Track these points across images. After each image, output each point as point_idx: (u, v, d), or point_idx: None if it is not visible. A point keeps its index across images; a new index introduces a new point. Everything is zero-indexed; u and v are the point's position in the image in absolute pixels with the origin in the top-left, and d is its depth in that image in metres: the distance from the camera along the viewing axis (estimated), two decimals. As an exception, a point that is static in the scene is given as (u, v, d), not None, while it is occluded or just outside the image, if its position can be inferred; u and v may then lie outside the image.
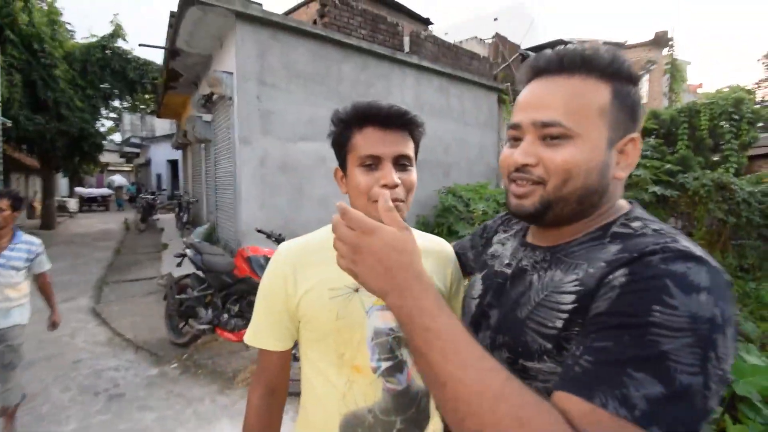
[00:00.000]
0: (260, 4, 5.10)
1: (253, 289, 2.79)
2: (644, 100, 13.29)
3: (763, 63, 23.86)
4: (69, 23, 10.78)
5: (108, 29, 10.94)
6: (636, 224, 0.54)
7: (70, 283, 5.50)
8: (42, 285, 2.35)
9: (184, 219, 8.97)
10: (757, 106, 10.11)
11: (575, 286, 0.51)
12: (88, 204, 17.64)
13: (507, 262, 0.67)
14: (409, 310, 0.45)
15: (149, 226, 11.10)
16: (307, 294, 0.77)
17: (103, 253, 7.68)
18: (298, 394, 0.82)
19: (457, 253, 0.92)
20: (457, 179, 7.34)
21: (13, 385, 2.17)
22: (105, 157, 18.22)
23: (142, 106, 16.10)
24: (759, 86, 24.23)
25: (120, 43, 10.76)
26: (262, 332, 0.80)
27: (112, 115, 19.04)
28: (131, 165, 26.96)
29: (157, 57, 12.24)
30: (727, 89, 10.34)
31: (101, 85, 10.70)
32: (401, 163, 0.74)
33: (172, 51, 6.24)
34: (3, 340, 2.13)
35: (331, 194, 5.73)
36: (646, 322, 0.40)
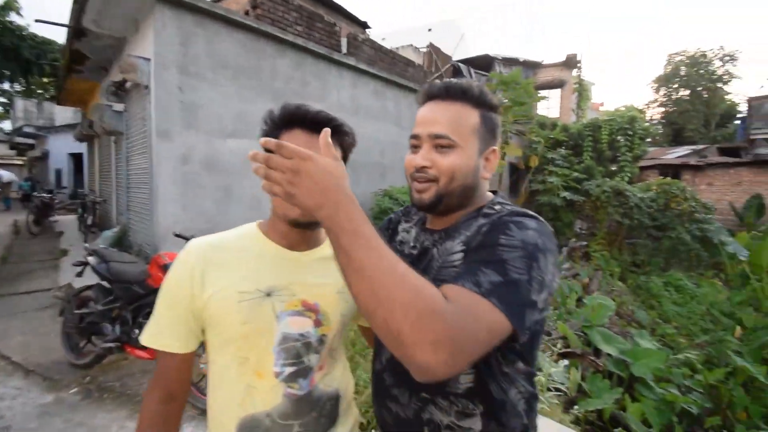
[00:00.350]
0: (183, -12, 4.70)
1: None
2: (556, 115, 14.73)
3: (652, 87, 27.92)
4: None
5: (-7, -2, 9.32)
6: (497, 207, 0.77)
7: (-68, 299, 4.55)
8: None
9: (89, 221, 7.91)
10: (647, 124, 11.75)
11: (460, 245, 0.73)
12: (-38, 202, 14.83)
13: (412, 245, 0.85)
14: (341, 219, 0.54)
15: (45, 229, 9.62)
16: (213, 296, 0.74)
17: (-19, 261, 6.48)
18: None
19: None
20: (393, 182, 7.45)
21: None
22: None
23: (39, 91, 13.95)
24: (648, 107, 28.31)
25: (13, 17, 9.18)
26: (163, 333, 0.76)
27: (2, 99, 16.23)
28: (24, 158, 23.21)
29: (60, 36, 10.72)
30: (624, 108, 11.90)
31: (-16, 64, 9.07)
32: None
33: (76, 30, 5.48)
34: None
35: (262, 196, 5.46)
36: (495, 243, 0.64)
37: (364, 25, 10.97)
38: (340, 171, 0.57)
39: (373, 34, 13.12)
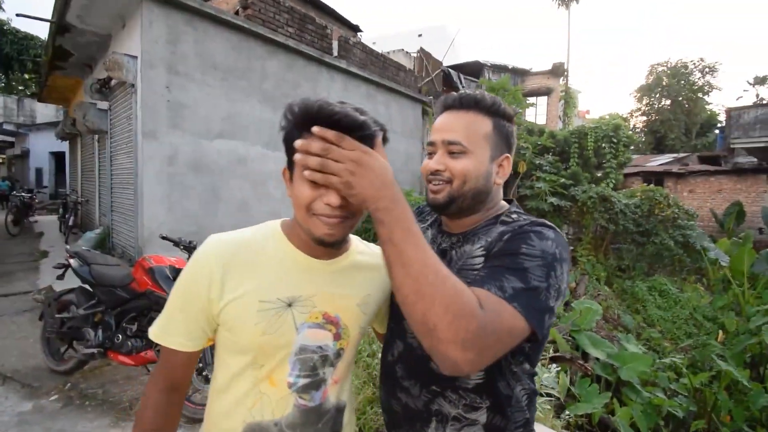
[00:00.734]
0: (173, -15, 4.62)
1: (156, 304, 2.45)
2: (543, 122, 14.97)
3: (635, 96, 28.62)
4: None
5: (-29, -9, 9.04)
6: (514, 216, 0.82)
7: None
8: None
9: (71, 222, 7.68)
10: (631, 132, 12.01)
11: (481, 250, 0.77)
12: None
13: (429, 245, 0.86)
14: (397, 214, 0.58)
15: (24, 230, 9.31)
16: (232, 303, 0.70)
17: (-46, 263, 6.22)
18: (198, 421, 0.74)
19: None
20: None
21: None
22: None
23: (20, 87, 13.55)
24: (632, 115, 28.99)
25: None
26: (174, 329, 0.73)
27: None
28: (3, 156, 22.47)
29: (42, 31, 10.46)
30: (608, 116, 12.15)
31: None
32: None
33: (60, 26, 5.34)
34: None
35: (251, 198, 5.38)
36: (518, 252, 0.68)
37: (355, 29, 10.98)
38: (392, 171, 0.61)
39: (364, 38, 13.15)
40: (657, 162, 16.67)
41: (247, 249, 0.73)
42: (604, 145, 10.71)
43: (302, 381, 0.74)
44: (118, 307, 2.59)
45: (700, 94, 25.81)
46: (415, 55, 11.24)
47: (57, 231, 8.94)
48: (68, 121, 7.96)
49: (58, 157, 16.34)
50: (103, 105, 5.83)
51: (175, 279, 2.48)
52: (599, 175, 10.88)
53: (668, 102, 26.36)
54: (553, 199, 9.04)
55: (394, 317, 0.86)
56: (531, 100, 14.61)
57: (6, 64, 9.26)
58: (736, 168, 13.84)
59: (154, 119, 4.42)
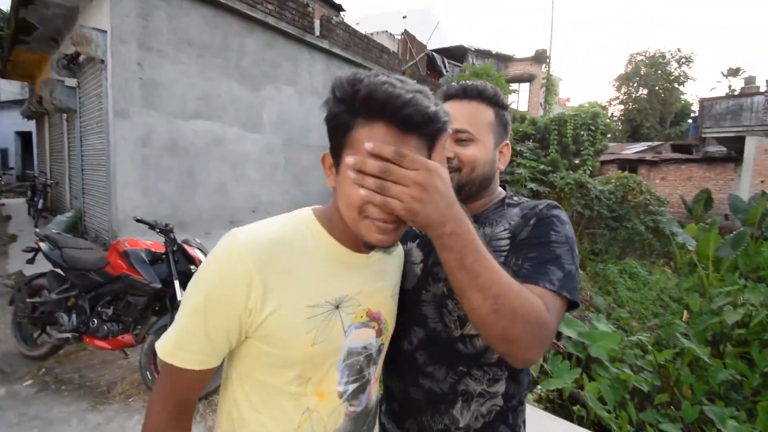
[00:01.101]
0: (143, -44, 4.39)
1: (131, 287, 2.41)
2: (525, 108, 15.11)
3: (613, 85, 29.12)
4: None
5: None
6: (516, 198, 0.89)
7: None
8: None
9: (40, 205, 7.38)
10: (609, 120, 12.28)
11: (506, 233, 0.80)
12: None
13: None
14: (465, 236, 0.55)
15: (-13, 213, 8.91)
16: (277, 312, 0.59)
17: None
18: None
19: None
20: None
21: None
22: None
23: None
24: (610, 104, 29.55)
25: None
26: (192, 345, 0.60)
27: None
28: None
29: (4, 2, 9.79)
30: (587, 105, 12.37)
31: None
32: None
33: (21, -4, 5.02)
34: None
35: (229, 181, 5.28)
36: (549, 241, 0.73)
37: (338, 8, 10.71)
38: (449, 179, 0.55)
39: (347, 18, 12.86)
40: (632, 150, 17.14)
41: (284, 246, 0.62)
42: (582, 132, 10.93)
43: (351, 387, 0.69)
44: (92, 291, 2.54)
45: (675, 84, 26.46)
46: (399, 37, 11.08)
47: (26, 214, 8.58)
48: (34, 98, 7.55)
49: (24, 137, 15.53)
50: (72, 82, 5.55)
51: (152, 263, 2.44)
52: (577, 162, 11.13)
53: (645, 91, 26.95)
54: (532, 185, 9.21)
55: (407, 305, 0.84)
56: (514, 86, 14.69)
57: (-38, 36, 8.65)
58: (706, 157, 14.39)
59: (125, 97, 4.25)
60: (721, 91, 26.87)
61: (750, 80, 15.41)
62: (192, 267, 2.47)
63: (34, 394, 2.43)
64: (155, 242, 2.59)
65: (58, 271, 2.64)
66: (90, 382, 2.55)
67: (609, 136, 12.19)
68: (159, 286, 2.36)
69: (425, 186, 0.50)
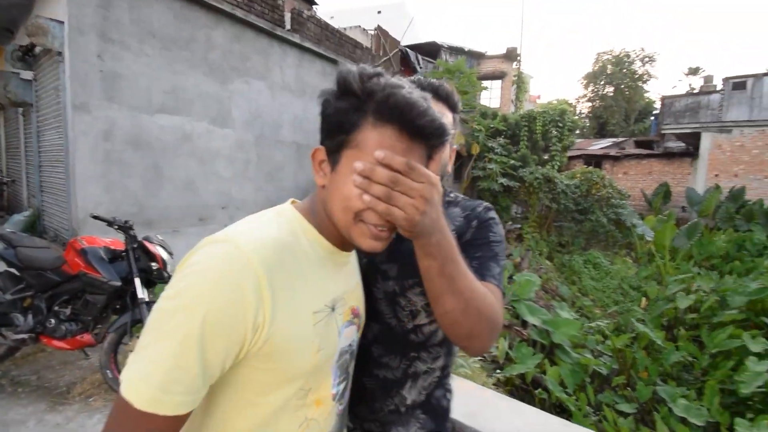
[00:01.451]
0: (101, -56, 4.22)
1: (90, 286, 2.36)
2: (497, 105, 15.42)
3: (581, 83, 30.08)
4: None
5: None
6: (452, 195, 0.93)
7: None
8: None
9: (-6, 203, 7.02)
10: (576, 117, 12.73)
11: (453, 233, 0.77)
12: None
13: None
14: (448, 246, 0.58)
15: (-65, 213, 8.36)
16: (284, 321, 0.53)
17: None
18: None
19: None
20: (337, 165, 7.39)
21: None
22: None
23: None
24: (579, 101, 30.54)
25: None
26: (179, 388, 0.47)
27: None
28: None
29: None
30: (556, 102, 12.79)
31: None
32: None
33: (-35, -19, 4.73)
34: None
35: (198, 177, 5.19)
36: (489, 241, 0.83)
37: (310, 1, 10.59)
38: None
39: (321, 11, 12.73)
40: (598, 146, 17.84)
41: (286, 249, 0.56)
42: (551, 128, 11.30)
43: (341, 387, 0.68)
44: (49, 291, 2.47)
45: (639, 83, 27.62)
46: (372, 32, 11.07)
47: (-22, 213, 8.12)
48: (-15, 90, 7.13)
49: (-25, 132, 14.60)
50: (27, 75, 5.29)
51: (111, 261, 2.40)
52: (546, 157, 11.50)
53: (611, 89, 28.00)
54: (503, 180, 9.47)
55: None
56: (486, 83, 14.96)
57: None
58: (664, 152, 15.15)
59: (85, 91, 4.10)
60: (682, 89, 28.30)
61: (708, 79, 16.30)
62: (153, 264, 2.45)
63: (-12, 397, 2.36)
64: (115, 240, 2.54)
65: (13, 270, 2.55)
66: (48, 383, 2.49)
67: (577, 132, 12.64)
68: (119, 284, 2.33)
69: (429, 199, 0.52)
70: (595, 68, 28.65)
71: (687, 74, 29.14)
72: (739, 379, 4.09)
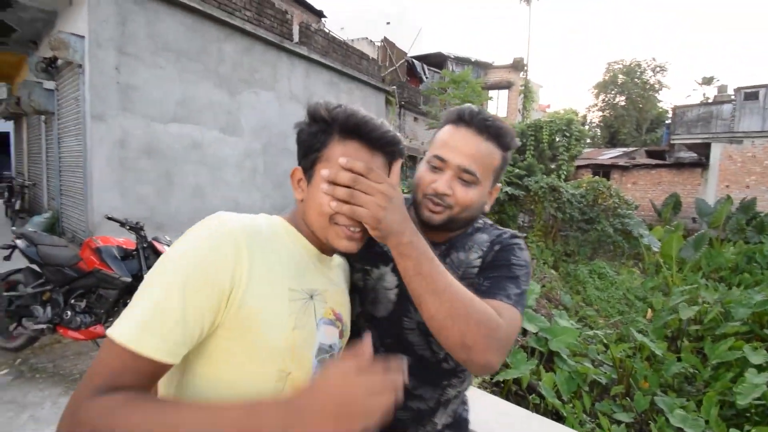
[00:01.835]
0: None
1: (103, 281, 2.55)
2: (504, 114, 15.54)
3: (592, 92, 29.98)
4: None
5: None
6: (481, 222, 0.91)
7: None
8: None
9: (17, 206, 7.37)
10: (582, 126, 12.76)
11: (479, 260, 0.84)
12: None
13: None
14: (420, 245, 0.62)
15: (-38, 214, 8.79)
16: (259, 287, 0.57)
17: None
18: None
19: None
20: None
21: None
22: None
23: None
24: (589, 110, 30.42)
25: None
26: (160, 331, 0.51)
27: None
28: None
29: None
30: (563, 111, 12.85)
31: None
32: None
33: (2, 0, 5.08)
34: None
35: (207, 184, 5.42)
36: (510, 263, 0.80)
37: (319, 14, 10.91)
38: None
39: (331, 22, 13.07)
40: (608, 155, 17.75)
41: (264, 235, 0.63)
42: (557, 138, 11.33)
43: None
44: (66, 286, 2.67)
45: (651, 92, 27.42)
46: (379, 44, 11.34)
47: (2, 215, 8.51)
48: (12, 100, 7.54)
49: (0, 138, 15.27)
50: (50, 85, 5.62)
51: (123, 259, 2.60)
52: (553, 166, 11.52)
53: (622, 99, 27.85)
54: (508, 189, 9.53)
55: (388, 333, 0.85)
56: (492, 93, 15.10)
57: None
58: (674, 162, 15.01)
59: (103, 101, 4.37)
60: (696, 99, 27.98)
61: (723, 89, 16.08)
62: (161, 262, 2.62)
63: (9, 382, 2.54)
64: (127, 240, 2.74)
65: (34, 267, 2.76)
66: (63, 371, 2.67)
67: (589, 141, 12.64)
68: (129, 280, 2.51)
69: (389, 196, 0.58)
70: (606, 78, 28.56)
71: (701, 84, 28.79)
72: (737, 391, 4.08)
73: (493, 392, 3.46)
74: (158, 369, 0.52)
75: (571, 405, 4.03)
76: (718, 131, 13.56)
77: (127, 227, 2.62)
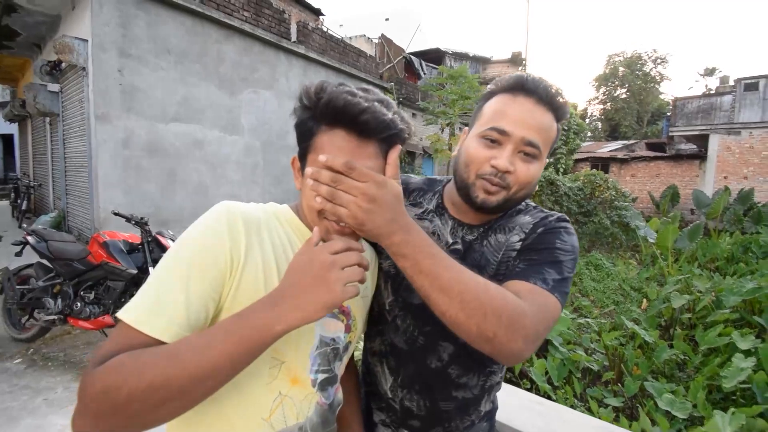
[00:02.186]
0: (122, -31, 4.66)
1: (111, 274, 2.72)
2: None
3: (593, 85, 29.91)
4: None
5: None
6: (523, 205, 0.84)
7: None
8: None
9: (23, 206, 7.55)
10: (585, 120, 12.81)
11: (520, 243, 0.78)
12: None
13: (452, 240, 0.82)
14: (416, 242, 0.56)
15: (-30, 215, 8.99)
16: (255, 269, 0.59)
17: None
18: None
19: None
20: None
21: None
22: None
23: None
24: (590, 103, 30.35)
25: None
26: (165, 314, 0.53)
27: None
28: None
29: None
30: (561, 104, 12.88)
31: None
32: None
33: (6, 5, 5.23)
34: None
35: (209, 181, 5.57)
36: (554, 247, 0.72)
37: (317, 12, 11.00)
38: (402, 195, 0.57)
39: (330, 20, 13.16)
40: (607, 148, 17.78)
41: (258, 219, 0.63)
42: (557, 131, 11.40)
43: (321, 377, 0.67)
44: (75, 278, 2.83)
45: (652, 84, 27.32)
46: (376, 41, 11.42)
47: (9, 216, 8.70)
48: (17, 102, 7.72)
49: (6, 140, 15.50)
50: (54, 87, 5.78)
51: (129, 252, 2.76)
52: (551, 160, 11.63)
53: (623, 91, 27.76)
54: (505, 183, 9.64)
55: (427, 322, 0.79)
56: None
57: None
58: (672, 154, 15.04)
59: (106, 102, 4.52)
60: (699, 90, 27.85)
61: (724, 80, 16.01)
62: (165, 255, 2.79)
63: (23, 369, 2.72)
64: (132, 234, 2.90)
65: (45, 261, 2.93)
66: (74, 359, 2.85)
67: (589, 134, 12.70)
68: (135, 271, 2.67)
69: (373, 197, 0.52)
70: (607, 70, 28.46)
71: (703, 75, 28.66)
72: (723, 375, 4.21)
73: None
74: None
75: (562, 391, 4.17)
76: (719, 123, 13.57)
77: (133, 222, 2.78)
